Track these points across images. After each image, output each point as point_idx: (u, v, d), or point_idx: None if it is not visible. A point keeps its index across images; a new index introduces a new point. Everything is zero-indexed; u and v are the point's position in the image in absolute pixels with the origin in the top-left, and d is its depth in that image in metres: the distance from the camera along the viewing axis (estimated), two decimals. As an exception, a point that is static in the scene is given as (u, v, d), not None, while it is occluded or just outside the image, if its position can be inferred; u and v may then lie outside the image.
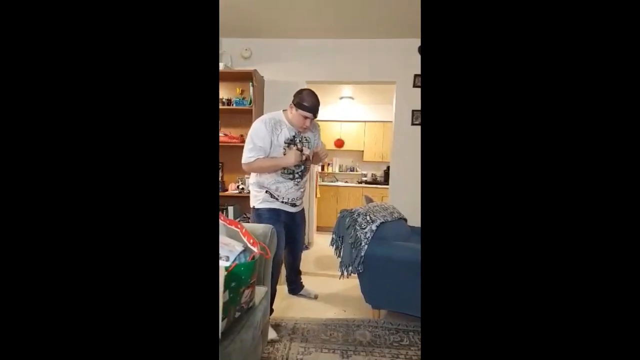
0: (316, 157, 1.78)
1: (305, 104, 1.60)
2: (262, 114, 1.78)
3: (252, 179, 1.78)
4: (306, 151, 1.72)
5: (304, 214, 1.97)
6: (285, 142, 1.65)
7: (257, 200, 1.75)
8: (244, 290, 0.99)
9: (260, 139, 1.60)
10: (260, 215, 1.73)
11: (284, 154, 1.64)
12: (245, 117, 2.65)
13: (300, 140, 1.71)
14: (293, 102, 1.64)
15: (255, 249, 1.07)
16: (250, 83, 2.61)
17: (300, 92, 1.65)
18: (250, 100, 2.63)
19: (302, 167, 1.75)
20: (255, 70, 2.62)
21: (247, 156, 1.62)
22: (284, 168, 1.67)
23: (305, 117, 1.62)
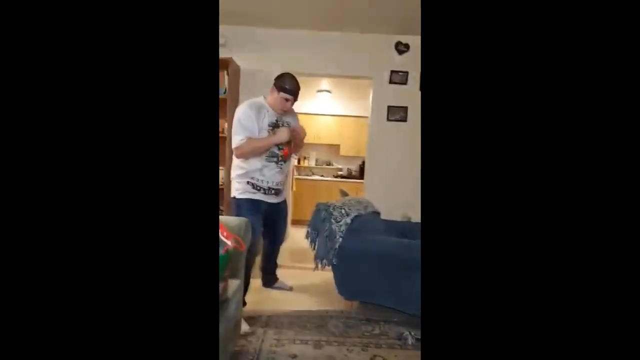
0: (297, 140, 1.77)
1: (286, 86, 1.66)
2: (238, 104, 1.75)
3: (236, 167, 1.76)
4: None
5: (286, 205, 1.97)
6: (269, 126, 1.68)
7: (238, 190, 1.75)
8: (216, 284, 0.97)
9: (249, 121, 1.63)
10: (240, 206, 1.73)
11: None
12: (220, 106, 2.56)
13: (282, 125, 1.73)
14: (274, 85, 1.69)
15: (228, 242, 1.05)
16: (225, 71, 2.53)
17: (282, 75, 1.71)
18: (225, 89, 2.55)
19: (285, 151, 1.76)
20: (231, 58, 2.54)
21: (238, 139, 1.62)
22: (268, 151, 1.69)
23: (287, 100, 1.67)
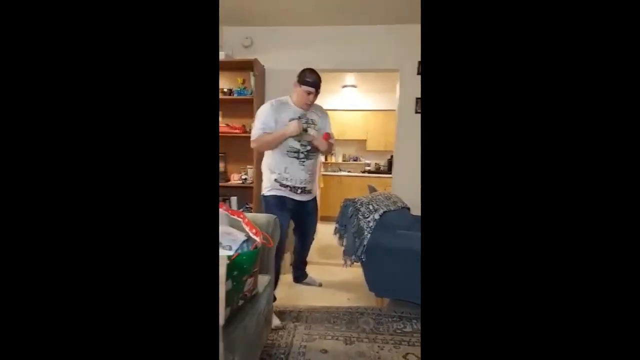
0: (317, 143, 1.78)
1: (307, 79, 1.71)
2: (264, 103, 1.80)
3: (263, 165, 1.83)
4: (312, 131, 1.78)
5: (316, 204, 1.98)
6: (290, 121, 1.72)
7: (266, 188, 1.80)
8: (246, 279, 1.00)
9: (265, 117, 1.71)
10: (267, 202, 1.79)
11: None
12: (246, 106, 2.62)
13: (306, 121, 1.77)
14: (296, 80, 1.74)
15: (257, 239, 1.08)
16: (252, 72, 2.58)
17: (303, 71, 1.76)
18: (252, 90, 2.60)
19: (308, 147, 1.78)
20: (256, 59, 2.59)
21: (253, 133, 1.73)
22: (289, 146, 1.74)
23: (309, 93, 1.71)
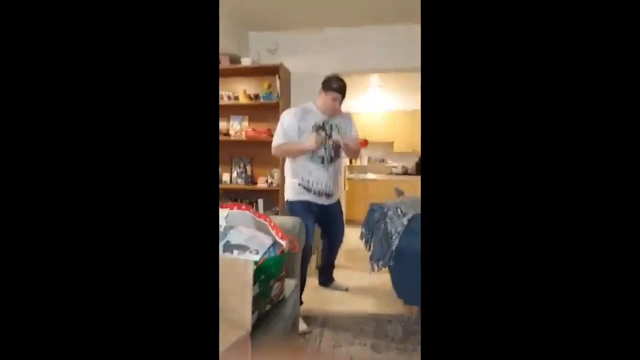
0: (347, 148, 1.80)
1: (332, 85, 1.71)
2: (289, 108, 1.82)
3: (287, 170, 1.84)
4: (335, 136, 1.78)
5: (339, 206, 1.97)
6: (313, 128, 1.73)
7: (291, 193, 1.81)
8: (273, 284, 0.99)
9: (288, 125, 1.72)
10: (292, 206, 1.79)
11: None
12: (272, 111, 2.66)
13: (330, 127, 1.76)
14: (322, 87, 1.74)
15: (283, 243, 1.07)
16: (277, 77, 2.62)
17: (328, 77, 1.77)
18: (277, 94, 2.63)
19: (332, 152, 1.78)
20: (282, 63, 2.62)
21: (275, 140, 1.75)
22: (312, 153, 1.73)
23: (334, 99, 1.71)
